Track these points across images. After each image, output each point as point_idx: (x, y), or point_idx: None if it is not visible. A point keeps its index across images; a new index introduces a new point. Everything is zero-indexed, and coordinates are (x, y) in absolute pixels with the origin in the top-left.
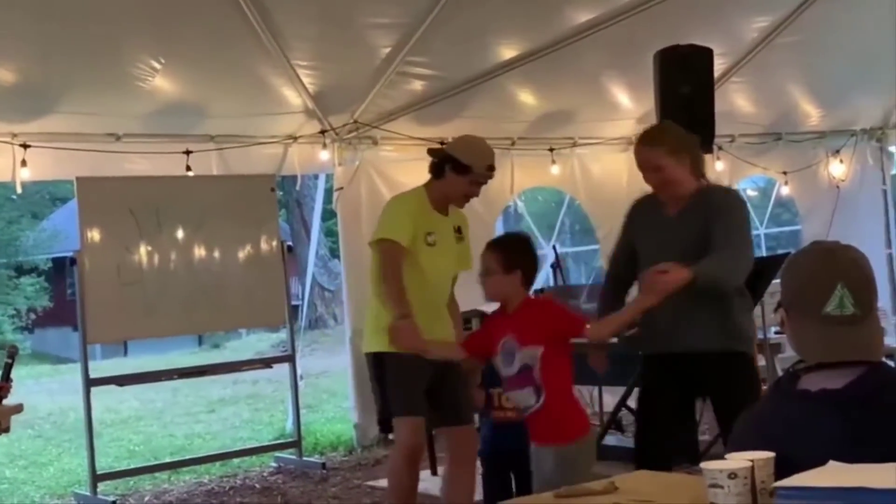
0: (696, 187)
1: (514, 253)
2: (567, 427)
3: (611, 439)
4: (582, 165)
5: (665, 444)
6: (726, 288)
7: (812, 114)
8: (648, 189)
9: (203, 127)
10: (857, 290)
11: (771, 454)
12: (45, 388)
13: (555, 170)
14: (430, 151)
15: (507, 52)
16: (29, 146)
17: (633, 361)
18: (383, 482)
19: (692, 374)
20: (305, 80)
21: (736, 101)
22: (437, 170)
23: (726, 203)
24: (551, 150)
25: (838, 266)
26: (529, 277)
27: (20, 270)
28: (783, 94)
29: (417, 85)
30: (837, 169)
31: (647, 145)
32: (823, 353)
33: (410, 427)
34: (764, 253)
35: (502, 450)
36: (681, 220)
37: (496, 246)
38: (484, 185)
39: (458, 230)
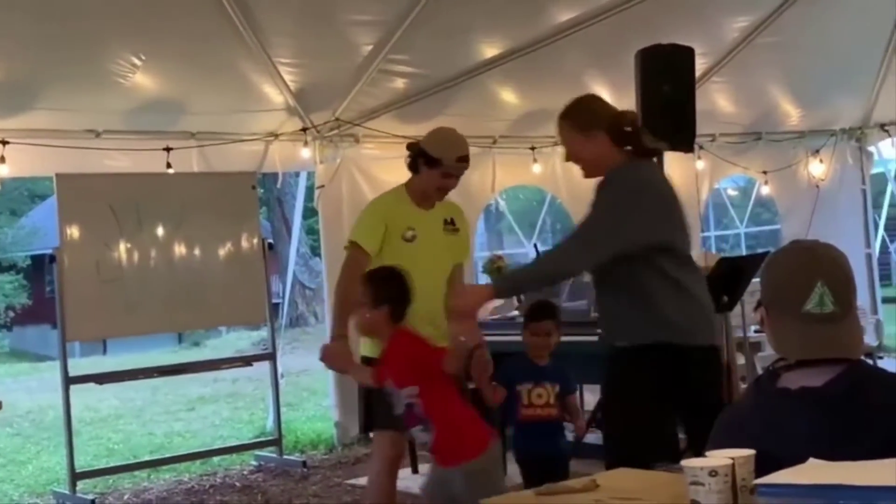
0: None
1: (381, 288)
2: (466, 446)
3: (591, 437)
4: (563, 164)
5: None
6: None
7: (792, 113)
8: None
9: (183, 124)
10: (836, 289)
11: (751, 452)
12: (23, 386)
13: (536, 168)
14: (408, 146)
15: (490, 51)
16: (8, 142)
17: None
18: (364, 480)
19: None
20: (287, 78)
21: (717, 101)
22: (412, 165)
23: (598, 192)
24: (533, 148)
25: (818, 264)
26: (397, 312)
27: None
28: (763, 94)
29: (399, 83)
30: (817, 168)
31: (558, 119)
32: (803, 350)
33: (391, 440)
34: (744, 252)
35: (537, 452)
36: None
37: (365, 279)
38: (460, 177)
39: (451, 222)
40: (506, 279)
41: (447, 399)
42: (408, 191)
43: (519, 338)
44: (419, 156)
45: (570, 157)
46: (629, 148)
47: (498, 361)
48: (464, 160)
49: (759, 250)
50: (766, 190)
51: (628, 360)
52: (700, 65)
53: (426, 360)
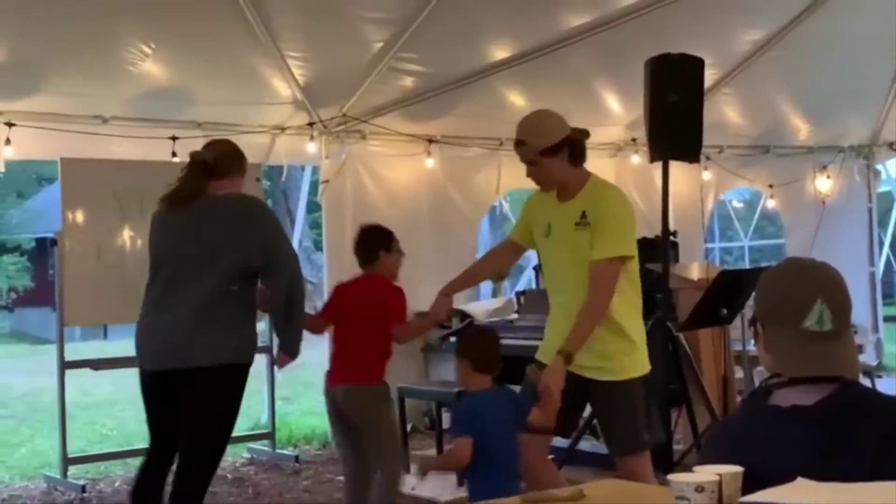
0: None
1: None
2: None
3: (585, 445)
4: None
5: None
6: None
7: (801, 128)
8: (633, 198)
9: (190, 113)
10: (835, 307)
11: (739, 469)
12: (21, 369)
13: None
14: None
15: (499, 53)
16: (14, 125)
17: None
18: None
19: None
20: (296, 72)
21: (726, 112)
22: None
23: None
24: None
25: (818, 281)
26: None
27: (2, 249)
28: (773, 107)
29: (408, 81)
30: (824, 184)
31: None
32: (800, 367)
33: None
34: (747, 265)
35: None
36: None
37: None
38: (534, 164)
39: (584, 215)
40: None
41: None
42: None
43: (517, 341)
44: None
45: None
46: None
47: None
48: (517, 144)
49: (763, 264)
50: (771, 203)
51: None
52: (710, 75)
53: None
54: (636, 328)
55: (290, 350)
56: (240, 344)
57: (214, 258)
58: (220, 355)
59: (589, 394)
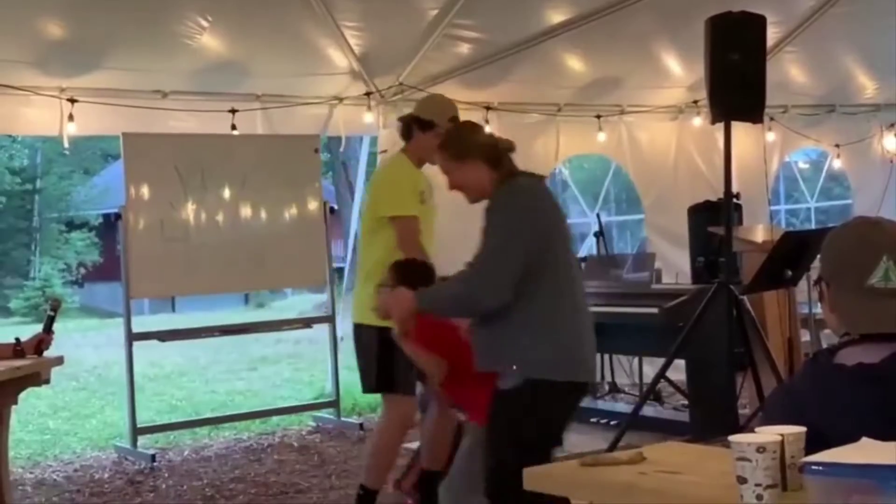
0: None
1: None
2: None
3: (648, 410)
4: (629, 133)
5: None
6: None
7: (867, 86)
8: (695, 161)
9: (249, 86)
10: None
11: (802, 429)
12: (91, 342)
13: (601, 137)
14: (399, 118)
15: (556, 17)
16: (76, 101)
17: (673, 332)
18: (417, 443)
19: None
20: (351, 41)
21: (789, 71)
22: (406, 132)
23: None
24: (598, 116)
25: (884, 238)
26: None
27: (71, 225)
28: (838, 65)
29: (464, 48)
30: (892, 143)
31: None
32: (867, 324)
33: (412, 405)
34: (813, 227)
35: None
36: None
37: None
38: None
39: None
40: (426, 299)
41: None
42: (409, 158)
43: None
44: (412, 122)
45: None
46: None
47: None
48: (454, 121)
49: (829, 225)
50: (838, 164)
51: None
52: (773, 34)
53: None
54: None
55: None
56: None
57: None
58: None
59: None
